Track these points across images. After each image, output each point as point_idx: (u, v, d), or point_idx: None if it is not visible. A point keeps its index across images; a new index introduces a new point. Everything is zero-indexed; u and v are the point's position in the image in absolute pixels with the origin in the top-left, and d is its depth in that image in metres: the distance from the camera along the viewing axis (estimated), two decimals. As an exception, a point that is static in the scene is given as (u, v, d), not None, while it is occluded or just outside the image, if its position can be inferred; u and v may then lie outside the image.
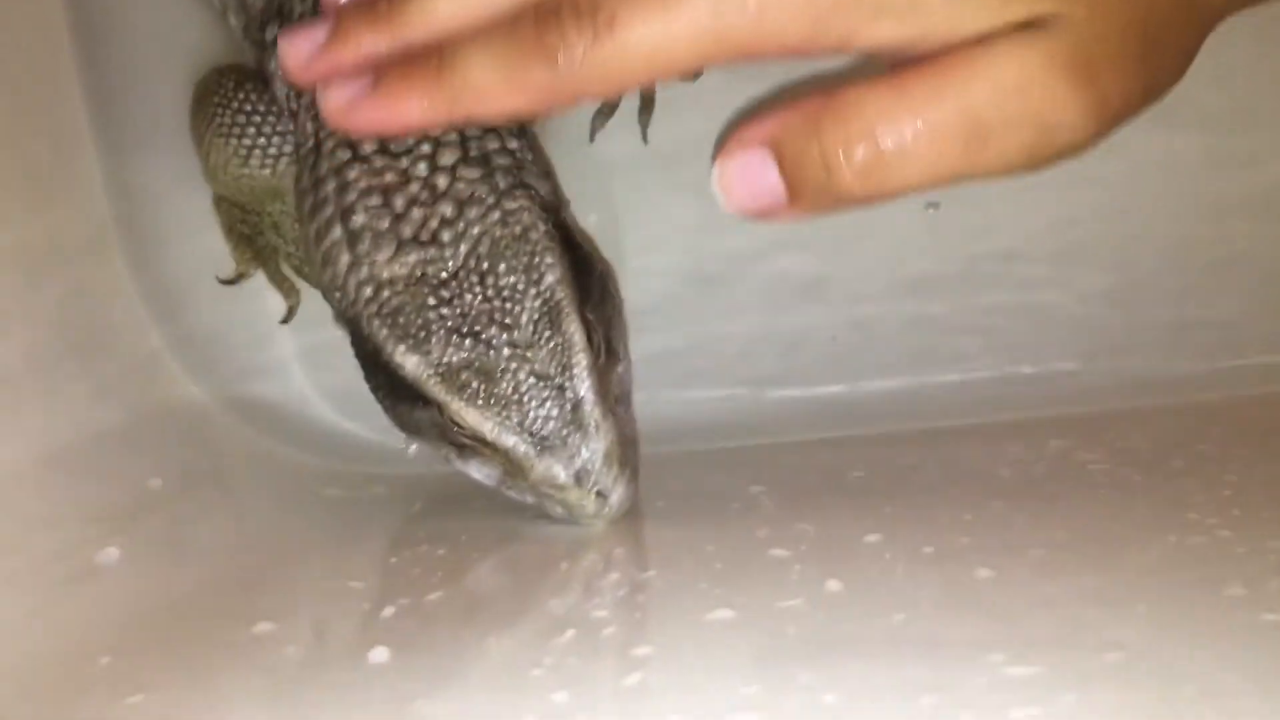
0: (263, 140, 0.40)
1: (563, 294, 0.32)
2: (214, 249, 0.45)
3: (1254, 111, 0.43)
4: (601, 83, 0.26)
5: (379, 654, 0.26)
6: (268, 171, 0.40)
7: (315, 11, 0.35)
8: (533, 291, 0.32)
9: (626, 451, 0.34)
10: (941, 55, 0.24)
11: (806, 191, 0.25)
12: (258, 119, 0.40)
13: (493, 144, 0.35)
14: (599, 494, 0.32)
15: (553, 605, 0.28)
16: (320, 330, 0.36)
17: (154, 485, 0.38)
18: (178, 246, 0.45)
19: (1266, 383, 0.42)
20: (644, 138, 0.43)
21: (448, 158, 0.34)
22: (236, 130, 0.40)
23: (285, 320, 0.45)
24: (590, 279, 0.35)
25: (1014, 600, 0.26)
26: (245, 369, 0.46)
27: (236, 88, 0.40)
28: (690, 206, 0.44)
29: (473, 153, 0.35)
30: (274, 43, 0.37)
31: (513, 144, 0.36)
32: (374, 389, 0.36)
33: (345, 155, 0.35)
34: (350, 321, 0.35)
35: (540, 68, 0.25)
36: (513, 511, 0.35)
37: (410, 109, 0.27)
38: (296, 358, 0.46)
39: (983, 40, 0.23)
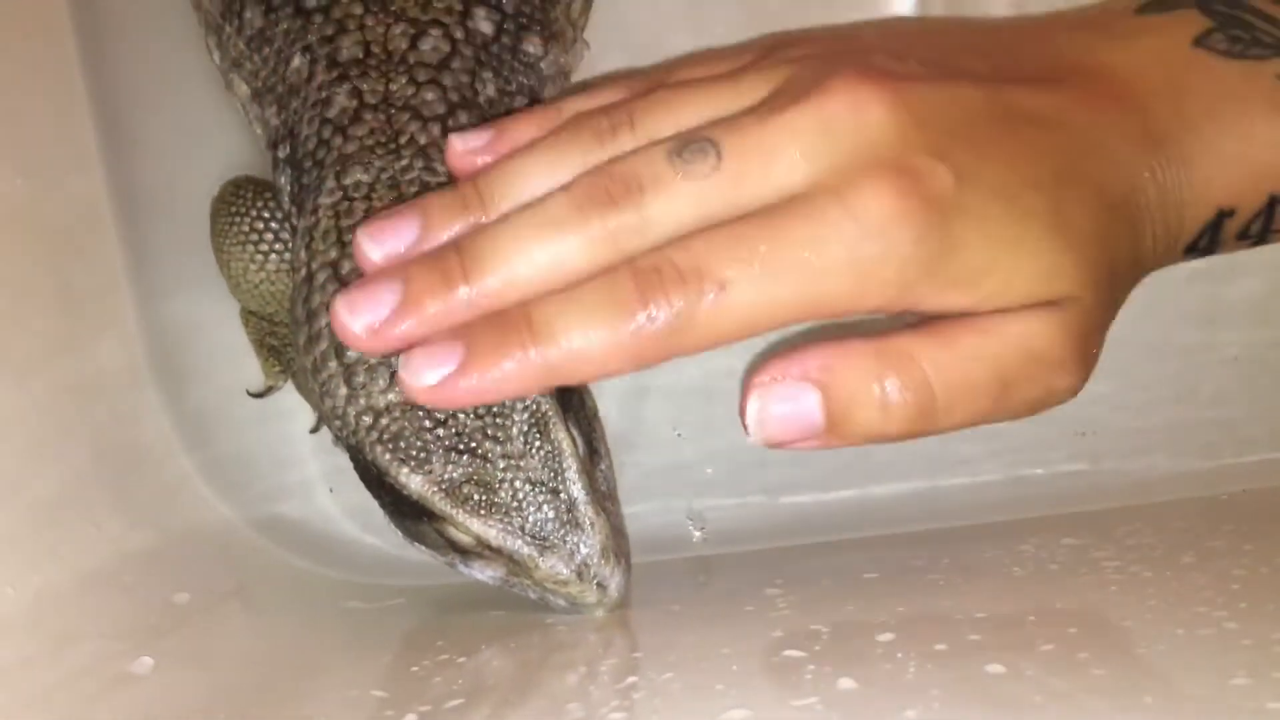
0: (279, 245, 0.41)
1: (547, 405, 0.34)
2: (241, 379, 0.46)
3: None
4: (701, 342, 0.26)
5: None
6: (285, 275, 0.40)
7: (320, 135, 0.36)
8: (519, 405, 0.33)
9: (618, 542, 0.35)
10: (981, 315, 0.26)
11: (852, 427, 0.26)
12: (275, 225, 0.40)
13: None
14: (599, 585, 0.34)
15: (572, 709, 0.28)
16: (342, 451, 0.37)
17: (180, 601, 0.39)
18: (208, 377, 0.47)
19: (1274, 477, 0.43)
20: None
21: None
22: (254, 236, 0.41)
23: (314, 429, 0.46)
24: (568, 388, 0.36)
25: (1024, 694, 0.26)
26: (271, 490, 0.47)
27: (255, 196, 0.41)
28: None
29: None
30: (285, 160, 0.38)
31: None
32: (380, 504, 0.37)
33: (335, 288, 0.35)
34: (352, 448, 0.35)
35: (639, 327, 0.25)
36: (521, 608, 0.37)
37: (506, 383, 0.26)
38: (320, 478, 0.47)
39: (1015, 310, 0.26)
